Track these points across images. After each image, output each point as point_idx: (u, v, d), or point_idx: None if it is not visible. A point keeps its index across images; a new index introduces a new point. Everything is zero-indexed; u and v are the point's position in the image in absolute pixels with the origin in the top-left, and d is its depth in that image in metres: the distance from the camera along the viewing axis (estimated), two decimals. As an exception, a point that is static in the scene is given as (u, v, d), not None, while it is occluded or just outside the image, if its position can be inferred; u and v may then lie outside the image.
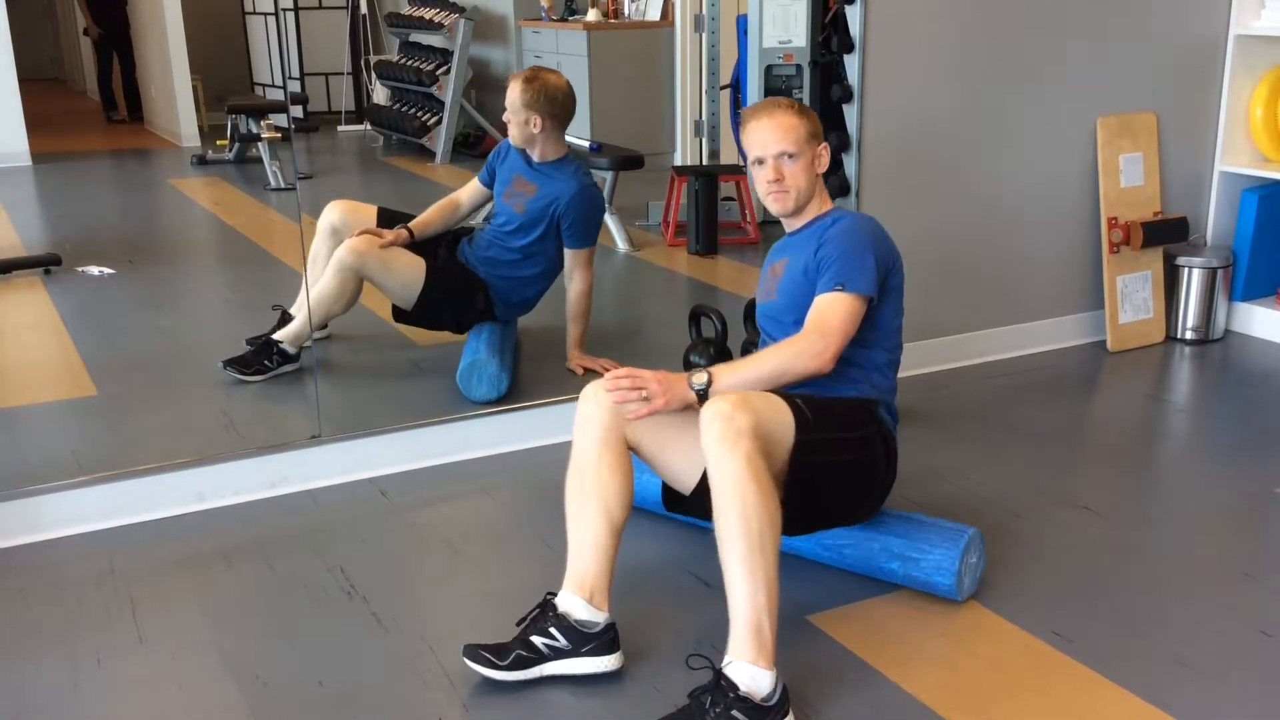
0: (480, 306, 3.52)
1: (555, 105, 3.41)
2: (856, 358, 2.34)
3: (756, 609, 1.94)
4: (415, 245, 3.48)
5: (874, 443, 2.29)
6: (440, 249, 3.54)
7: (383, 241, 3.39)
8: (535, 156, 3.48)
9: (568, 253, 3.51)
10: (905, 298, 2.44)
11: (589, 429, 2.20)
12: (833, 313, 2.24)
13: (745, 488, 1.96)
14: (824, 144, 2.39)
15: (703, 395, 2.16)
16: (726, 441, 1.98)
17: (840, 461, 2.22)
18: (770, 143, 2.35)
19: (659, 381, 2.16)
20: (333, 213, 3.54)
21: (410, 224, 3.50)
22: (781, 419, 2.10)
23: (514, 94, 3.40)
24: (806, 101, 4.05)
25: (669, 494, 2.41)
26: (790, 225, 2.45)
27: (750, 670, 1.93)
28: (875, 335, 2.36)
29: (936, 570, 2.33)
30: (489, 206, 3.67)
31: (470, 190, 3.63)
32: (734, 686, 1.91)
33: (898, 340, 2.43)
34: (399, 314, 3.52)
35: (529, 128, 3.40)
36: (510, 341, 3.53)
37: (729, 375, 2.20)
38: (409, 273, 3.43)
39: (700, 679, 2.01)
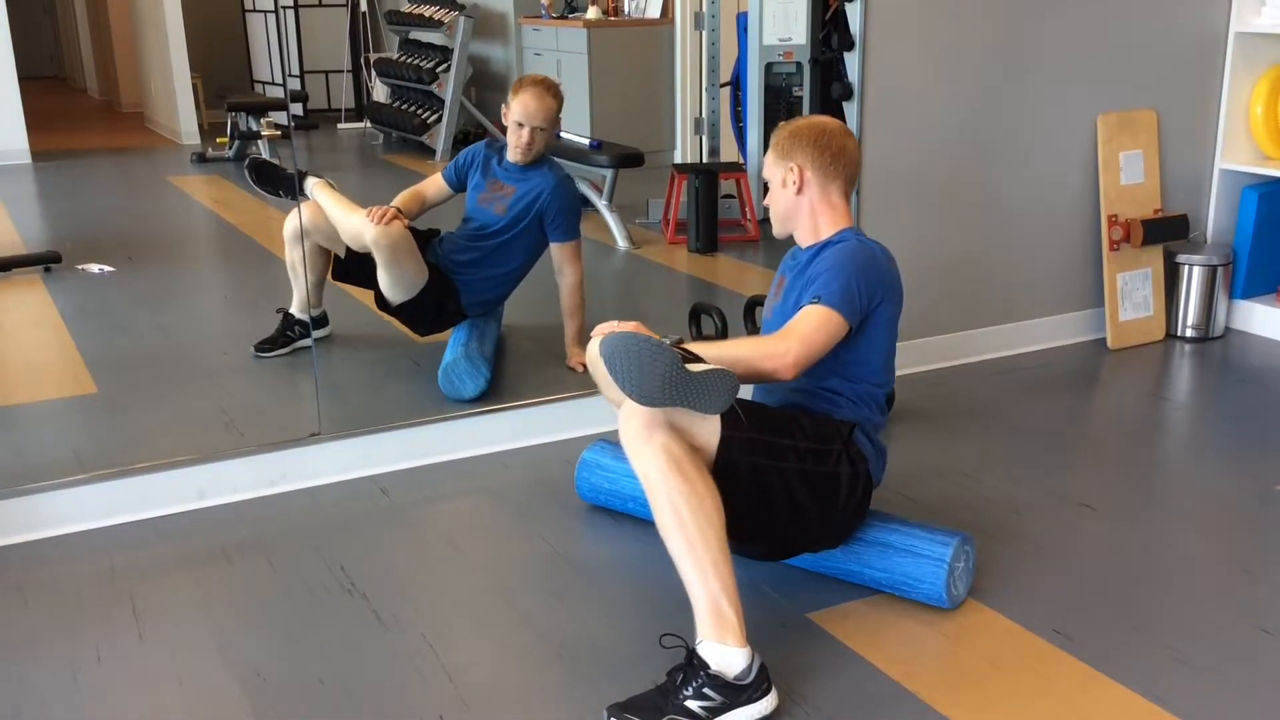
0: (451, 309, 3.52)
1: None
2: (841, 388, 2.32)
3: (711, 592, 1.97)
4: None
5: (837, 460, 2.24)
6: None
7: (404, 222, 3.37)
8: (525, 162, 3.47)
9: (554, 247, 3.51)
10: (905, 296, 2.42)
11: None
12: (804, 321, 2.21)
13: (667, 478, 1.99)
14: (793, 164, 2.35)
15: None
16: (640, 437, 2.02)
17: (787, 469, 2.19)
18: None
19: (635, 328, 2.25)
20: (303, 215, 3.44)
21: (397, 206, 3.46)
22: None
23: (548, 104, 3.39)
24: (806, 99, 4.05)
25: None
26: (799, 243, 2.45)
27: (720, 649, 1.96)
28: (857, 368, 2.32)
29: (926, 599, 2.34)
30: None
31: (435, 188, 3.60)
32: (705, 665, 1.95)
33: (882, 377, 2.38)
34: (381, 302, 3.50)
35: (550, 136, 3.42)
36: (488, 336, 3.51)
37: (696, 347, 2.22)
38: (417, 277, 3.40)
39: (679, 658, 2.02)
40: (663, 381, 1.93)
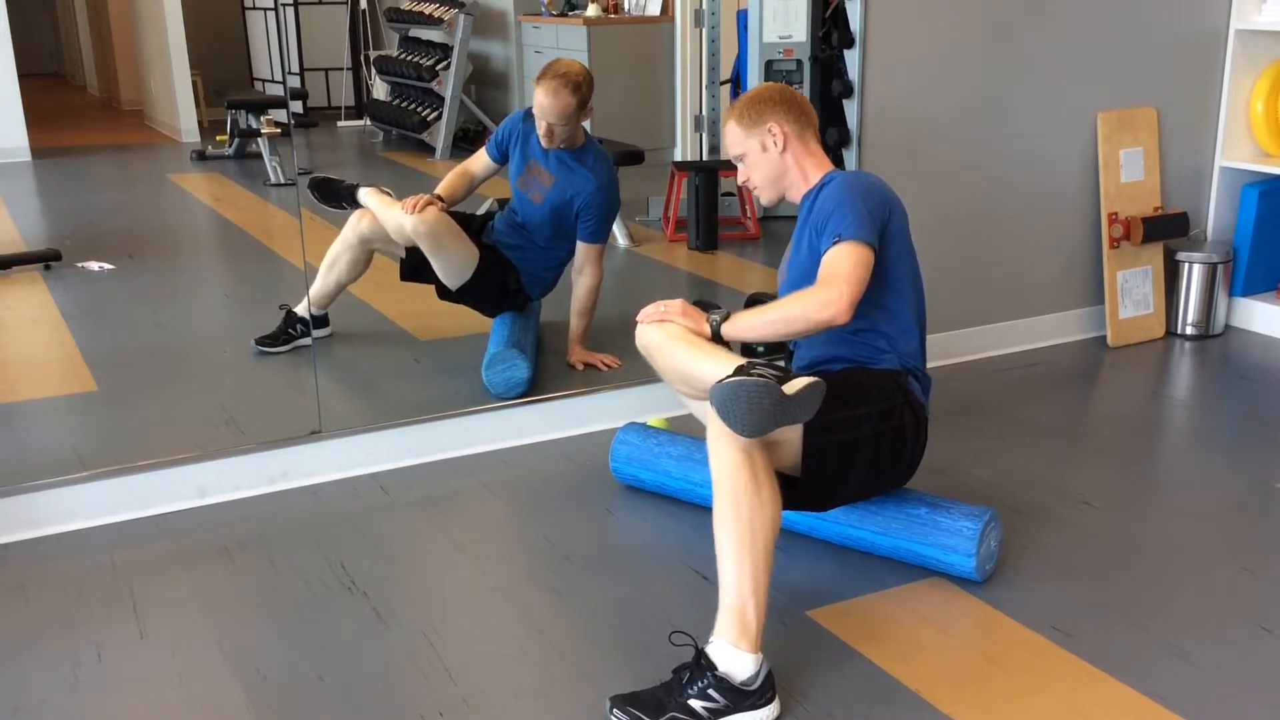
0: (513, 288, 3.51)
1: (589, 91, 3.31)
2: (878, 323, 2.37)
3: (742, 594, 1.98)
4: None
5: (900, 413, 2.32)
6: (469, 233, 3.48)
7: (440, 207, 3.34)
8: (557, 148, 3.40)
9: (581, 246, 3.48)
10: None
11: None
12: (839, 262, 2.24)
13: (737, 474, 2.01)
14: (770, 125, 2.40)
15: (715, 329, 2.30)
16: (725, 433, 2.03)
17: (861, 436, 2.25)
18: (729, 150, 2.47)
19: (682, 308, 2.34)
20: (362, 222, 3.47)
21: (438, 192, 3.44)
22: None
23: (563, 102, 3.25)
24: (806, 96, 4.03)
25: None
26: (793, 197, 2.50)
27: (732, 652, 1.96)
28: (890, 293, 2.36)
29: (965, 515, 2.38)
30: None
31: (481, 164, 3.56)
32: (713, 666, 1.96)
33: (915, 292, 2.43)
34: (442, 292, 3.48)
35: (576, 128, 3.35)
36: (536, 338, 3.52)
37: (744, 317, 2.30)
38: (466, 258, 3.40)
39: (687, 656, 2.03)
40: (768, 415, 1.96)
